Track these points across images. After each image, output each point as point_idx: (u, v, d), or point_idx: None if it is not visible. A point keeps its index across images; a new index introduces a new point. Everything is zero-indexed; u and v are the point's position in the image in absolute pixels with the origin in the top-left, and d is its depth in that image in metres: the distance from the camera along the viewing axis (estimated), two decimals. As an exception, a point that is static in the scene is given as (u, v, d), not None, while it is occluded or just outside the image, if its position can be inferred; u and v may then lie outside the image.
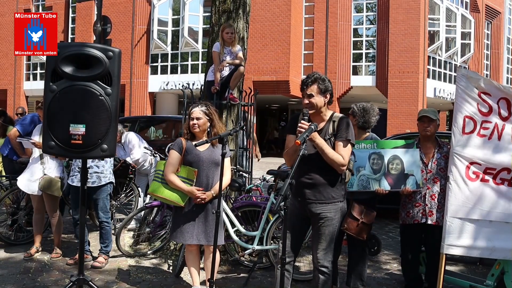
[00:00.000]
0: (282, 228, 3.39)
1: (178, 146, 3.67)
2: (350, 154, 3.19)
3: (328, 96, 3.18)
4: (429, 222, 3.76)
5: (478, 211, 3.48)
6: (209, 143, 3.60)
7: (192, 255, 3.72)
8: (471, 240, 3.50)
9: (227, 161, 3.72)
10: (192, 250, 3.70)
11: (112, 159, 4.80)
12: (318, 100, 3.14)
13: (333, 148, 3.11)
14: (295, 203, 3.26)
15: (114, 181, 4.84)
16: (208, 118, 3.65)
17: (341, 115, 3.26)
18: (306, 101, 3.14)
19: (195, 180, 3.60)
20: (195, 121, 3.61)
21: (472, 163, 3.50)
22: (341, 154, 3.09)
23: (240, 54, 5.00)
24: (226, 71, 4.96)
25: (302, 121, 2.99)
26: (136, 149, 6.10)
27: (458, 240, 3.50)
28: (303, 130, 2.92)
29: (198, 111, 3.63)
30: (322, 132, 3.15)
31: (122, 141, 6.18)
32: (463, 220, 3.50)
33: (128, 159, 6.03)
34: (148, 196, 5.75)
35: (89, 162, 4.54)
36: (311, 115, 3.13)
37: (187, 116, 3.72)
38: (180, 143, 3.68)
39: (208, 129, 3.66)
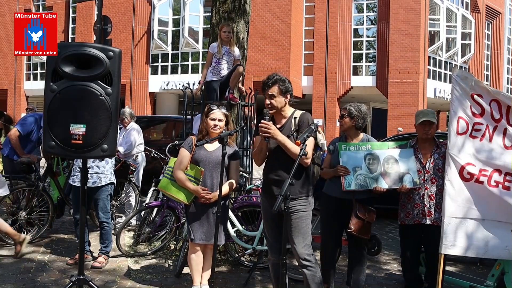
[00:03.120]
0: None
1: (188, 145, 3.74)
2: (313, 147, 3.28)
3: (288, 96, 3.30)
4: (428, 222, 3.78)
5: (473, 211, 3.49)
6: (220, 144, 3.61)
7: (195, 255, 3.71)
8: (467, 240, 3.51)
9: (236, 163, 3.75)
10: (196, 249, 3.70)
11: (113, 159, 4.80)
12: (279, 100, 3.25)
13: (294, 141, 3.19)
14: (266, 201, 3.37)
15: (115, 181, 4.84)
16: (226, 120, 3.71)
17: (302, 111, 3.35)
18: (267, 102, 3.25)
19: (201, 180, 3.62)
20: (217, 122, 3.65)
21: (467, 164, 3.51)
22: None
23: (238, 60, 5.00)
24: (225, 71, 4.97)
25: (263, 121, 3.10)
26: (128, 145, 6.15)
27: (455, 240, 3.51)
28: (264, 129, 3.06)
29: (220, 113, 3.68)
30: (284, 129, 3.25)
31: (127, 127, 6.22)
32: (459, 220, 3.51)
33: (120, 148, 6.04)
34: (148, 196, 5.76)
35: (90, 162, 4.55)
36: (274, 114, 3.28)
37: (204, 116, 3.74)
38: (190, 141, 3.75)
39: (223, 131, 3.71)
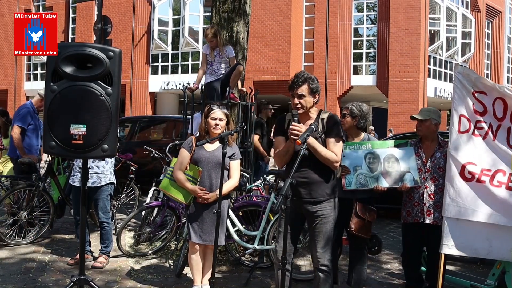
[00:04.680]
0: (283, 228, 3.39)
1: (188, 145, 3.75)
2: (342, 150, 3.21)
3: (317, 96, 3.20)
4: (428, 221, 3.76)
5: (474, 212, 3.43)
6: (220, 144, 3.61)
7: (196, 255, 3.72)
8: (468, 240, 3.47)
9: (236, 163, 3.75)
10: (195, 249, 3.71)
11: (113, 159, 4.80)
12: (308, 100, 3.14)
13: (324, 145, 3.11)
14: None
15: (115, 181, 4.83)
16: (226, 120, 3.71)
17: (328, 112, 3.26)
18: (297, 102, 3.12)
19: (199, 179, 3.62)
20: (218, 122, 3.65)
21: (468, 163, 3.46)
22: (333, 151, 3.10)
23: (232, 57, 4.98)
24: (220, 70, 4.99)
25: (294, 123, 3.00)
26: None
27: (456, 240, 3.48)
28: (295, 132, 2.95)
29: (221, 113, 3.68)
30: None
31: None
32: (460, 221, 3.48)
33: None
34: (149, 196, 5.76)
35: (89, 163, 4.54)
36: (300, 115, 3.14)
37: (204, 117, 3.73)
38: (190, 141, 3.75)
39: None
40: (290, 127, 2.99)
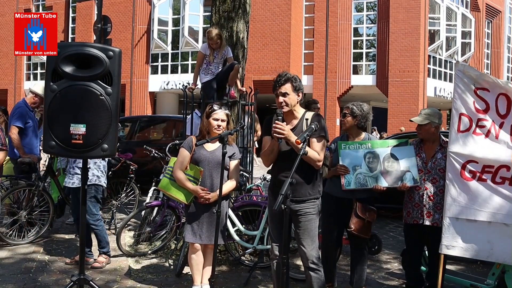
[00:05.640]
0: (283, 227, 3.39)
1: (188, 145, 3.75)
2: (324, 149, 3.24)
3: (300, 95, 3.25)
4: (427, 223, 3.74)
5: (476, 211, 3.41)
6: (220, 144, 3.61)
7: (196, 255, 3.72)
8: (468, 241, 3.44)
9: (236, 163, 3.75)
10: (195, 249, 3.71)
11: (98, 161, 4.61)
12: (292, 98, 3.19)
13: (308, 145, 3.13)
14: (273, 201, 3.28)
15: (102, 183, 4.63)
16: (227, 120, 3.73)
17: (313, 112, 3.30)
18: (281, 100, 3.17)
19: (200, 180, 3.63)
20: (220, 123, 3.66)
21: (468, 162, 3.42)
22: (316, 150, 3.13)
23: (230, 58, 4.99)
24: (215, 69, 5.00)
25: (277, 122, 3.03)
26: None
27: (456, 241, 3.46)
28: (278, 130, 2.98)
29: (223, 113, 3.70)
30: (296, 130, 3.18)
31: None
32: (461, 221, 3.45)
33: None
34: (149, 195, 5.76)
35: (71, 163, 4.52)
36: (285, 114, 3.18)
37: (205, 117, 3.73)
38: (190, 141, 3.76)
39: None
40: (273, 125, 3.03)
